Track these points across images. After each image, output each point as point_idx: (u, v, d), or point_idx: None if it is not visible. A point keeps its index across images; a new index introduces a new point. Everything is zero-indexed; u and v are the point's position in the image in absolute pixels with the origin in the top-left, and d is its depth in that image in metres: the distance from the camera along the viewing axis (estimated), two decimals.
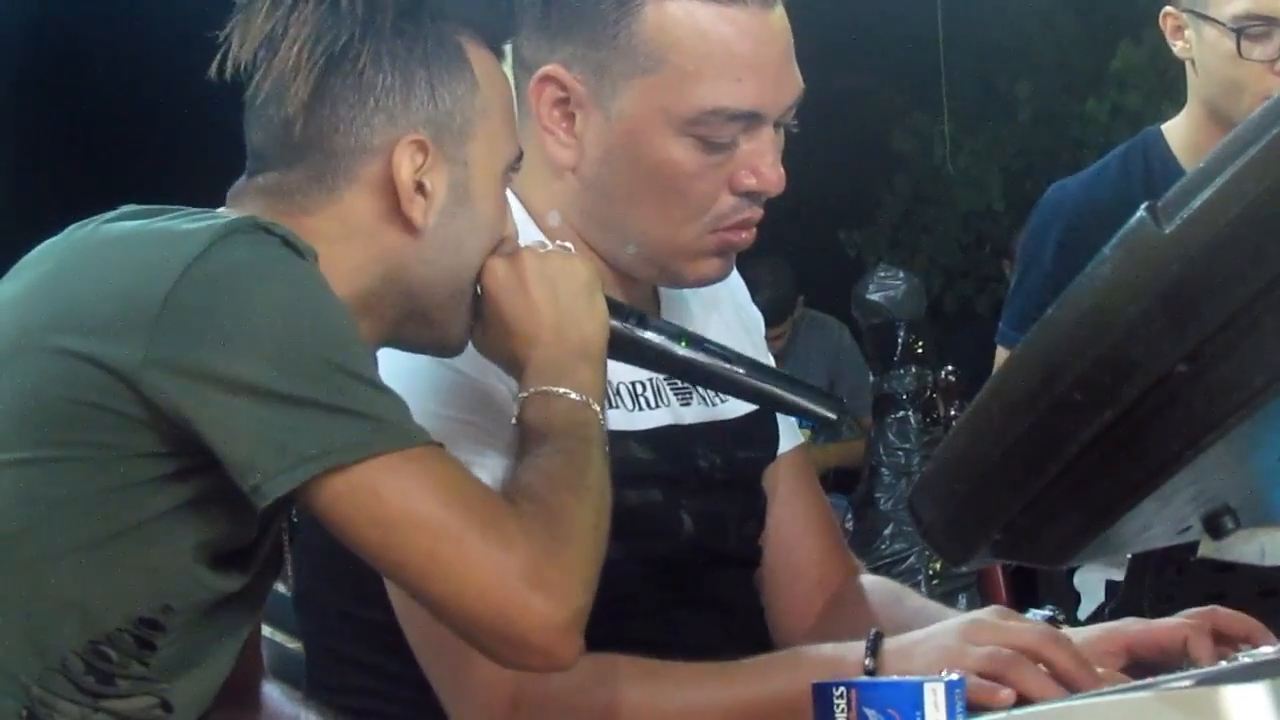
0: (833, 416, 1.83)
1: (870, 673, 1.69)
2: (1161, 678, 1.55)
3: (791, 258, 6.34)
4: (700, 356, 1.82)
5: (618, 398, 1.92)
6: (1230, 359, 1.13)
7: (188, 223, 1.55)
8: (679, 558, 1.94)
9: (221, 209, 1.66)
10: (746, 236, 1.94)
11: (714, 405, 2.01)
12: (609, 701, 1.76)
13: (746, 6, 1.86)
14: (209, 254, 1.49)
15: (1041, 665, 1.65)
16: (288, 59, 1.62)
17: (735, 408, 2.03)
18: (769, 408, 1.94)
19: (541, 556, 1.50)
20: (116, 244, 1.56)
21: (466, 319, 1.73)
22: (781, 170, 1.90)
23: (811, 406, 1.84)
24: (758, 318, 2.19)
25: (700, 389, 2.00)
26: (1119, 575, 2.82)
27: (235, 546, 1.56)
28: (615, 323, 1.76)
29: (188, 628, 1.55)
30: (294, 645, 2.08)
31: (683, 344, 1.81)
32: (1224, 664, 1.60)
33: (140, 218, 1.59)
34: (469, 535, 1.48)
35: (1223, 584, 2.64)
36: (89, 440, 1.49)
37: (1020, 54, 8.73)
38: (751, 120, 1.87)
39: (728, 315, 2.11)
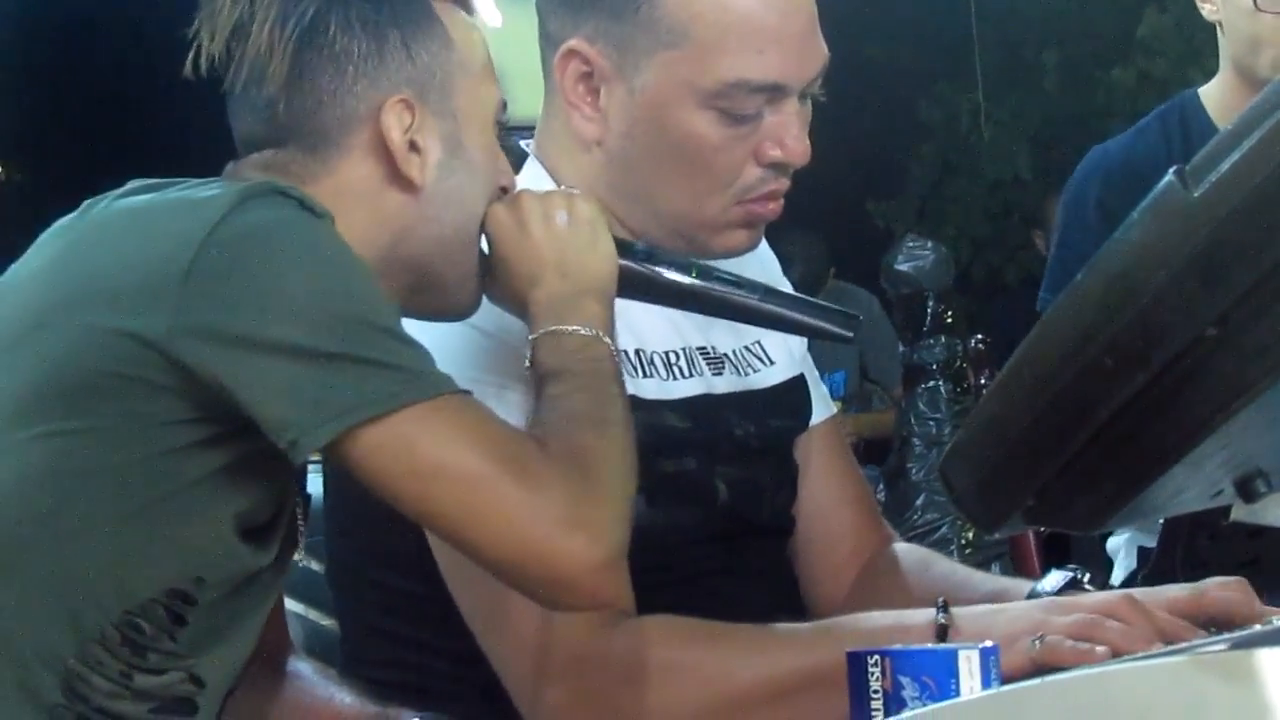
0: (849, 335, 1.82)
1: (943, 629, 1.67)
2: (1196, 641, 1.55)
3: (820, 229, 6.34)
4: (712, 286, 1.81)
5: (651, 367, 1.92)
6: (1260, 322, 1.13)
7: (203, 190, 1.56)
8: (714, 526, 1.95)
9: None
10: (773, 208, 1.94)
11: (746, 375, 2.01)
12: (673, 662, 1.73)
13: None
14: (229, 219, 1.49)
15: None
16: (260, 42, 1.63)
17: (767, 377, 2.04)
18: (785, 331, 1.94)
19: (576, 497, 1.50)
20: (134, 216, 1.57)
21: (477, 275, 1.73)
22: (807, 142, 1.90)
23: (827, 326, 1.84)
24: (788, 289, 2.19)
25: (732, 358, 2.00)
26: (1151, 541, 2.82)
27: (263, 519, 1.57)
28: (622, 259, 1.75)
29: (217, 603, 1.56)
30: (328, 622, 2.09)
31: (693, 274, 1.80)
32: (1258, 628, 1.60)
33: (150, 191, 1.59)
34: (503, 481, 1.49)
35: (1255, 549, 2.63)
36: (117, 410, 1.49)
37: (1047, 22, 8.71)
38: (775, 92, 1.87)
39: None
